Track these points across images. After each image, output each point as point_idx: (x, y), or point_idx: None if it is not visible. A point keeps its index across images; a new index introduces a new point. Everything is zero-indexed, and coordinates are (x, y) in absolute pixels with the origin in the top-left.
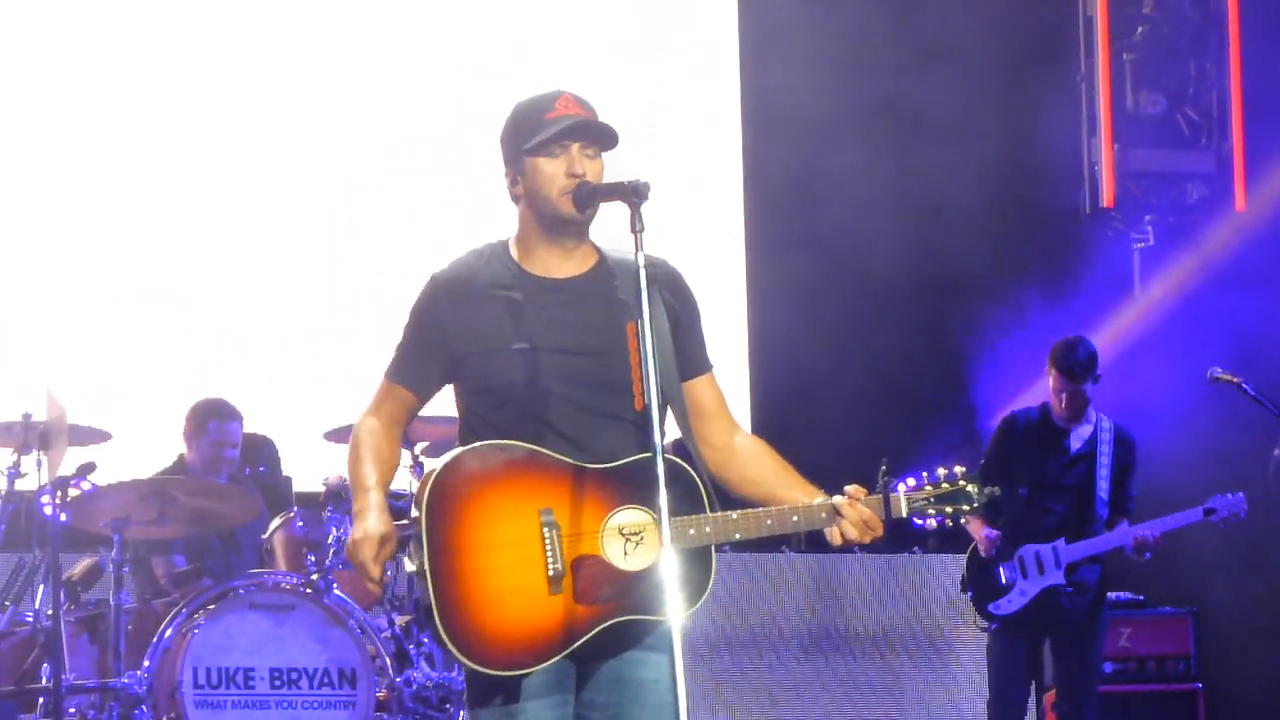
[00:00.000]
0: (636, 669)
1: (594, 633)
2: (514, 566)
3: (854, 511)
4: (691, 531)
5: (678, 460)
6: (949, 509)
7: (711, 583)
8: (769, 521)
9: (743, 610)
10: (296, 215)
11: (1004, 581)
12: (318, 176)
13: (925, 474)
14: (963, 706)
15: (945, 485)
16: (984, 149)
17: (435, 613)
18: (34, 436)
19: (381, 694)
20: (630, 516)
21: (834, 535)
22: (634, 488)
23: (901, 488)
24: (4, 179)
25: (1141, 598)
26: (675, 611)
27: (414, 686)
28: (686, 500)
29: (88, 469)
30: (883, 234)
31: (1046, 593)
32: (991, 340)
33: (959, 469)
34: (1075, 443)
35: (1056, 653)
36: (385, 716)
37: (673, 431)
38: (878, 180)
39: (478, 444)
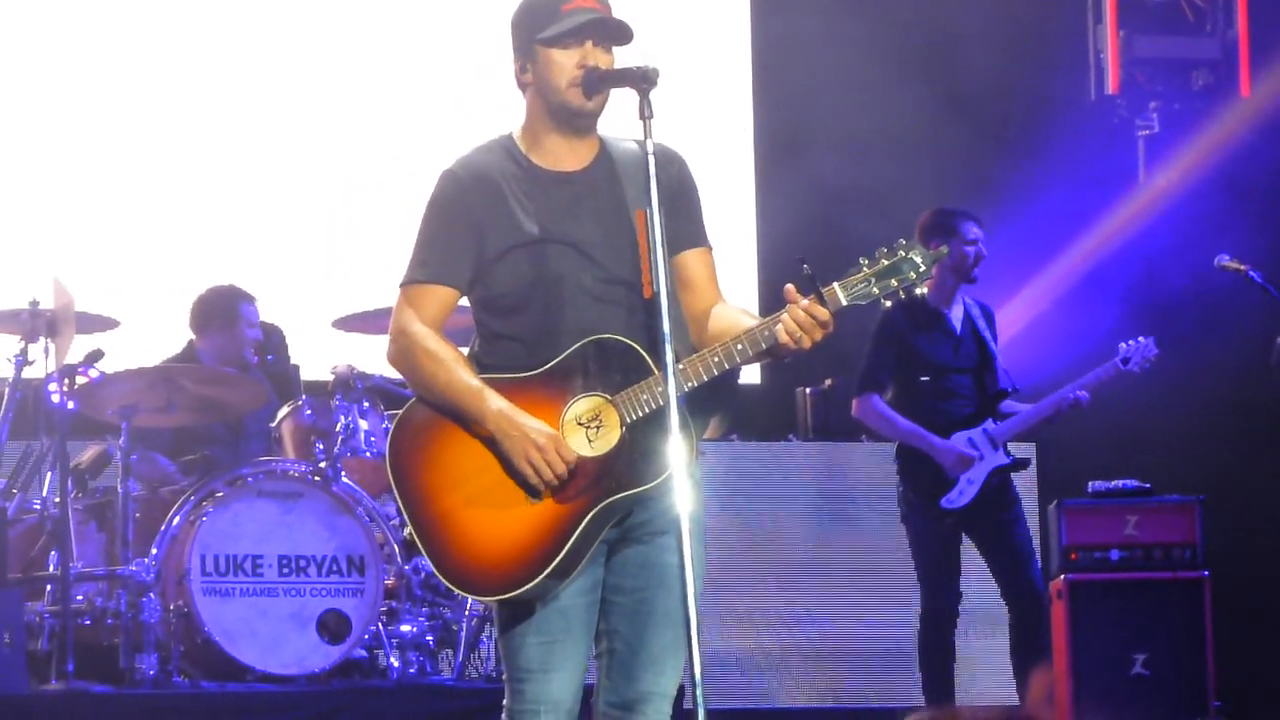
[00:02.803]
0: (664, 554)
1: (585, 522)
2: (491, 492)
3: (795, 310)
4: (645, 397)
5: (612, 337)
6: (894, 281)
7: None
8: (716, 359)
9: (751, 499)
10: (303, 102)
11: (950, 474)
12: (325, 64)
13: (861, 258)
14: (972, 584)
15: (884, 261)
16: (987, 36)
17: (433, 565)
18: (41, 324)
19: (390, 581)
20: (584, 405)
21: (781, 336)
22: (580, 376)
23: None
24: (12, 68)
25: (1149, 485)
26: (683, 499)
27: (422, 574)
28: (635, 372)
29: (95, 356)
30: (887, 122)
31: (990, 475)
32: (993, 228)
33: (900, 240)
34: (956, 324)
35: (987, 536)
36: (394, 604)
37: None
38: (881, 69)
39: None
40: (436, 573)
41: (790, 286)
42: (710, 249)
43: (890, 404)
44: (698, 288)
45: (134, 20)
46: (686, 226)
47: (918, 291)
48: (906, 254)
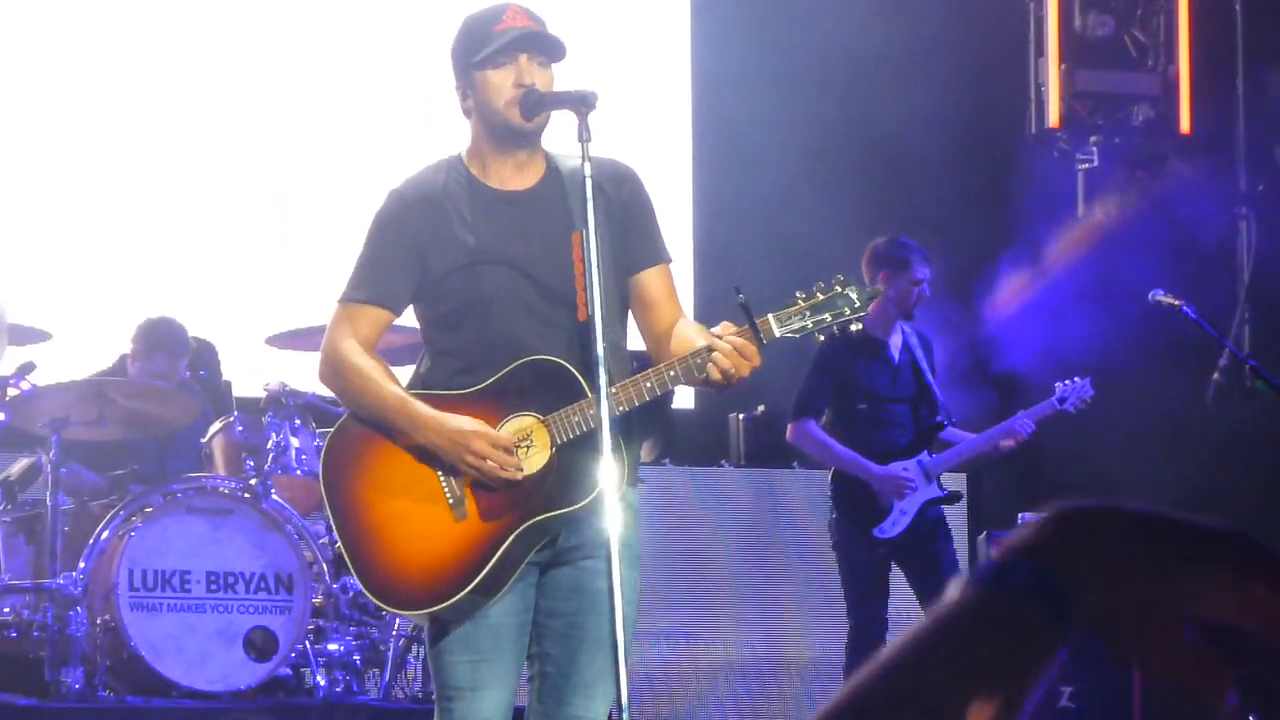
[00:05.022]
0: (596, 579)
1: (510, 541)
2: (417, 508)
3: (722, 344)
4: (576, 418)
5: (547, 358)
6: (829, 316)
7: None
8: (649, 384)
9: (683, 524)
10: (243, 117)
11: (884, 504)
12: (265, 80)
13: (798, 292)
14: (900, 607)
15: (820, 295)
16: (931, 70)
17: (359, 579)
18: None
19: (318, 600)
20: (515, 424)
21: (713, 373)
22: (513, 396)
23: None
24: None
25: None
26: (613, 518)
27: (350, 593)
28: (568, 393)
29: (27, 369)
30: (825, 145)
31: (924, 507)
32: (931, 261)
33: (837, 276)
34: (895, 353)
35: (917, 567)
36: (321, 622)
37: (637, 342)
38: (819, 94)
39: None
40: (362, 586)
41: (721, 326)
42: (669, 263)
43: (825, 431)
44: (658, 305)
45: (66, 36)
46: (642, 244)
47: (852, 328)
48: (843, 290)
